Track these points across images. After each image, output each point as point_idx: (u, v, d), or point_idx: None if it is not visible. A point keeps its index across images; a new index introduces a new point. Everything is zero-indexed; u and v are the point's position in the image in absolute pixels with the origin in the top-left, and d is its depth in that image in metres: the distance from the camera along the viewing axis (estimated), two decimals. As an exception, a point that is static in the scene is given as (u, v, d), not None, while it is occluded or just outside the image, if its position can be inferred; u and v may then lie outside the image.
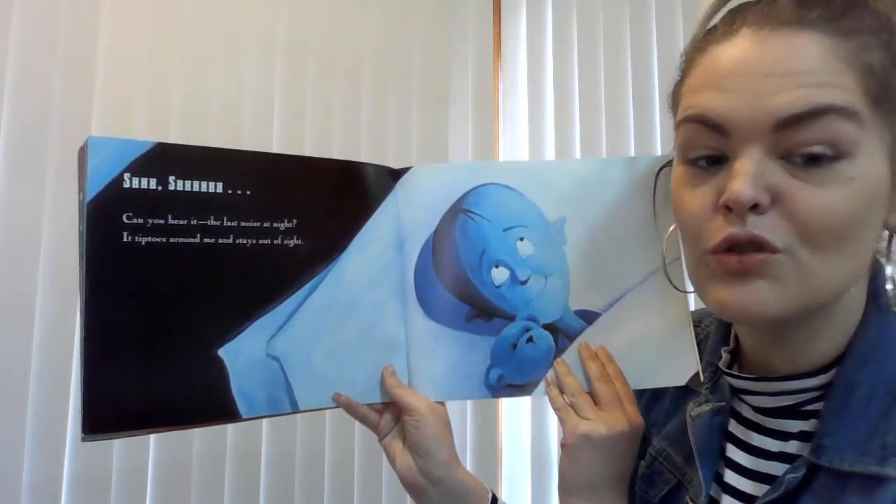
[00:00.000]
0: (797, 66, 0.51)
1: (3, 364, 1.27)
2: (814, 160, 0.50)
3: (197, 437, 1.45)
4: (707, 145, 0.55)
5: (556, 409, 0.73)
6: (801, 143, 0.50)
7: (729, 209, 0.52)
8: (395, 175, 0.82)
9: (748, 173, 0.51)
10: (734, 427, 0.66)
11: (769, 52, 0.52)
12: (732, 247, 0.53)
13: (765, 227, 0.52)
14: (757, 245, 0.52)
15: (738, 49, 0.53)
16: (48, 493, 1.29)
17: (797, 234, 0.51)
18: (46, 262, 1.32)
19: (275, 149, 1.61)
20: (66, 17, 1.38)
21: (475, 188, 0.79)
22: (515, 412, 1.81)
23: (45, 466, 1.29)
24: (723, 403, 0.67)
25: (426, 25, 1.85)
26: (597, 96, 1.82)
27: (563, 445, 0.71)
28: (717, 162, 0.55)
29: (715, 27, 0.58)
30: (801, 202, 0.51)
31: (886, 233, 0.57)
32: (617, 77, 1.80)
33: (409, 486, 0.76)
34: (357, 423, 0.79)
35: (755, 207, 0.51)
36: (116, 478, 1.36)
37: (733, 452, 0.65)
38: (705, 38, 0.57)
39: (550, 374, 0.76)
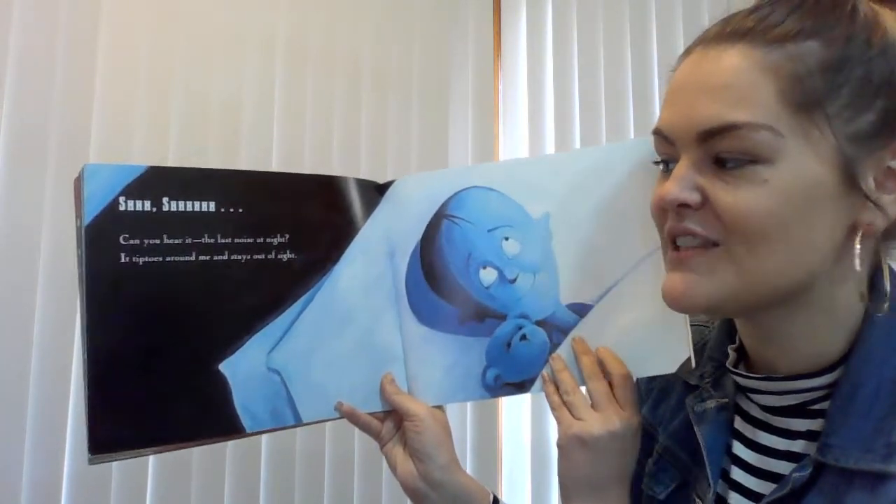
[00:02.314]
0: (719, 82, 0.55)
1: (3, 364, 1.27)
2: (734, 165, 0.54)
3: (197, 437, 1.45)
4: (664, 153, 0.61)
5: (552, 408, 0.73)
6: (721, 151, 0.55)
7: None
8: (381, 189, 0.82)
9: (677, 177, 0.57)
10: (741, 425, 0.66)
11: (703, 68, 0.57)
12: (676, 240, 0.59)
13: (698, 222, 0.57)
14: (694, 237, 0.57)
15: (687, 66, 0.59)
16: (48, 493, 1.29)
17: (725, 230, 0.55)
18: (46, 262, 1.32)
19: (275, 149, 1.61)
20: (66, 17, 1.38)
21: (457, 193, 0.80)
22: (515, 412, 1.82)
23: (45, 466, 1.29)
24: (726, 400, 0.67)
25: (426, 25, 1.85)
26: (597, 96, 1.82)
27: (557, 446, 0.72)
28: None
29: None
30: (721, 201, 0.55)
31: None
32: (617, 77, 1.80)
33: (411, 491, 0.77)
34: (352, 422, 0.79)
35: (687, 206, 0.57)
36: (116, 476, 1.36)
37: (740, 450, 0.65)
38: (680, 56, 0.61)
39: (547, 370, 0.75)
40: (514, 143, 1.92)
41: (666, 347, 0.73)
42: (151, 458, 1.40)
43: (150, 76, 1.46)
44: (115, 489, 1.35)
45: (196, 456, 1.45)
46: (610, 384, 0.71)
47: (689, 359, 0.72)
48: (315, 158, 1.65)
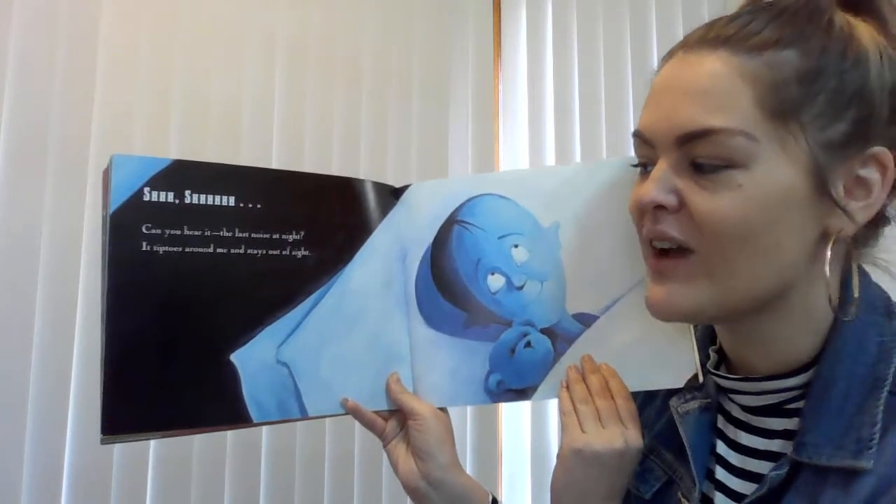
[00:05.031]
0: (699, 87, 0.56)
1: (4, 361, 1.27)
2: (710, 169, 0.56)
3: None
4: (644, 155, 0.62)
5: (561, 413, 0.73)
6: (698, 155, 0.56)
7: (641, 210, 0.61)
8: (396, 193, 0.84)
9: (653, 179, 0.58)
10: (724, 425, 0.67)
11: (684, 72, 0.58)
12: (653, 243, 0.61)
13: (673, 225, 0.58)
14: (669, 241, 0.59)
15: (668, 70, 0.60)
16: (49, 489, 1.30)
17: (699, 234, 0.57)
18: (46, 262, 1.32)
19: (275, 148, 1.61)
20: (66, 17, 1.38)
21: (469, 200, 0.81)
22: (516, 414, 1.82)
23: (45, 461, 1.29)
24: (709, 400, 0.68)
25: (426, 25, 1.85)
26: (596, 96, 1.82)
27: (558, 457, 0.72)
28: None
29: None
30: (696, 205, 0.56)
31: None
32: (617, 77, 1.80)
33: (411, 490, 0.77)
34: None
35: (662, 209, 0.58)
36: (117, 473, 1.36)
37: (723, 450, 0.66)
38: (661, 60, 0.62)
39: (564, 377, 0.75)
40: (514, 143, 1.92)
41: (672, 361, 0.73)
42: (152, 457, 1.40)
43: (150, 76, 1.46)
44: (115, 484, 1.36)
45: (196, 454, 1.45)
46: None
47: (695, 375, 0.72)
48: (315, 158, 1.65)
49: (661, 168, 0.58)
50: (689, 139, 0.56)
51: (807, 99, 0.54)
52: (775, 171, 0.55)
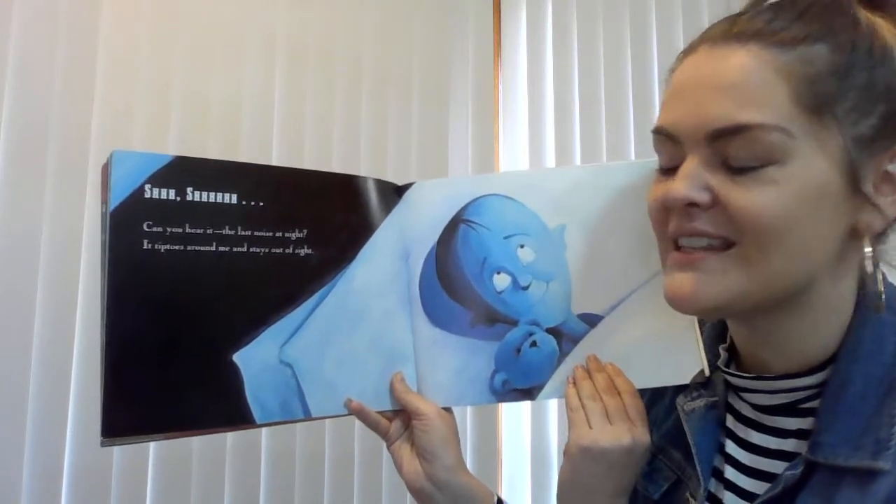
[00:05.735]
0: (729, 81, 0.55)
1: (4, 361, 1.27)
2: (743, 165, 0.55)
3: (197, 434, 1.45)
4: (667, 153, 0.61)
5: (569, 409, 0.73)
6: (730, 151, 0.55)
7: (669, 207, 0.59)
8: (399, 191, 0.83)
9: (685, 175, 0.57)
10: (733, 424, 0.67)
11: (710, 67, 0.57)
12: (679, 240, 0.59)
13: (707, 221, 0.57)
14: (703, 238, 0.57)
15: (691, 64, 0.59)
16: (49, 490, 1.29)
17: (735, 230, 0.56)
18: (46, 262, 1.32)
19: (275, 148, 1.61)
20: (66, 17, 1.38)
21: (475, 199, 0.80)
22: (516, 414, 1.82)
23: (45, 462, 1.29)
24: (716, 398, 0.68)
25: (426, 25, 1.85)
26: (597, 96, 1.82)
27: (565, 453, 0.72)
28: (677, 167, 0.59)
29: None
30: (732, 202, 0.55)
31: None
32: (617, 77, 1.80)
33: (416, 491, 0.77)
34: (357, 420, 0.79)
35: (695, 206, 0.57)
36: (117, 473, 1.36)
37: (733, 449, 0.66)
38: (680, 55, 0.61)
39: (571, 374, 0.75)
40: (513, 142, 1.92)
41: (678, 359, 0.73)
42: (152, 457, 1.40)
43: (150, 76, 1.46)
44: (115, 485, 1.36)
45: (196, 455, 1.45)
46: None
47: (701, 371, 0.72)
48: (315, 158, 1.65)
49: (692, 164, 0.57)
50: (722, 135, 0.55)
51: (840, 93, 0.54)
52: (811, 167, 0.54)
